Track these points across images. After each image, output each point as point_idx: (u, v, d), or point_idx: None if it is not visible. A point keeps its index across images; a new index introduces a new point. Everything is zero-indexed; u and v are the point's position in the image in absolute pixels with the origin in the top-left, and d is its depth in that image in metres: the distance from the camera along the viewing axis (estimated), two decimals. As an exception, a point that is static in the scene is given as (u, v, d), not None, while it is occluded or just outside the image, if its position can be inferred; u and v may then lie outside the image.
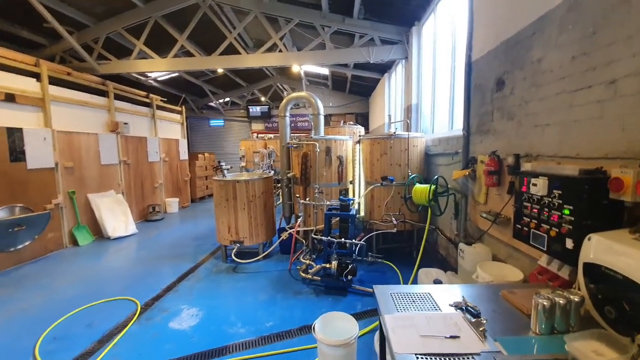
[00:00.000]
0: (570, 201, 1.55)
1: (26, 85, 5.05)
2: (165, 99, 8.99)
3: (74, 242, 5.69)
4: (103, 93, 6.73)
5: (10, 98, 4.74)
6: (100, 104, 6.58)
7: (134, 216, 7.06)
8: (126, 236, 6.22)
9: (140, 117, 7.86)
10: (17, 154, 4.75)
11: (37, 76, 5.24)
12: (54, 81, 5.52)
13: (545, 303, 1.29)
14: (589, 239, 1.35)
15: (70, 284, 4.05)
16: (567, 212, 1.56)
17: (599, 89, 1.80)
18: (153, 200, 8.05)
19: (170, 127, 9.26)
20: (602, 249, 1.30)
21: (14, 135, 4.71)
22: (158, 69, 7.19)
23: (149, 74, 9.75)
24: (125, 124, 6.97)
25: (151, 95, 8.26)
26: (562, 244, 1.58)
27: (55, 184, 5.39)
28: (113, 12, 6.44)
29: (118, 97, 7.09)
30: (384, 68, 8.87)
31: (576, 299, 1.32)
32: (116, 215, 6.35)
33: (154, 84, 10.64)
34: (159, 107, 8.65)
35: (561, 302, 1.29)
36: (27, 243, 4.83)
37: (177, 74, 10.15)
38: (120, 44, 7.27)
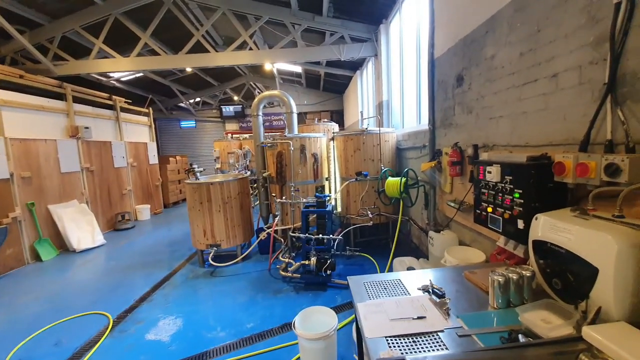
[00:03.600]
0: (520, 186, 1.70)
1: (-30, 89, 4.63)
2: (130, 101, 8.56)
3: (37, 257, 5.32)
4: (60, 96, 6.31)
5: (-49, 104, 4.33)
6: (58, 107, 6.16)
7: (101, 226, 6.70)
8: (93, 248, 5.90)
9: (103, 120, 7.44)
10: (-36, 165, 4.36)
11: (-17, 80, 4.82)
12: (4, 85, 5.10)
13: (500, 279, 1.41)
14: (536, 219, 1.48)
15: (34, 302, 3.80)
16: (517, 195, 1.70)
17: (543, 82, 1.97)
18: (122, 208, 7.67)
19: (137, 129, 8.84)
20: (547, 227, 1.44)
21: (-41, 144, 4.31)
22: (120, 69, 6.85)
23: (111, 75, 9.24)
24: (87, 128, 6.57)
25: (114, 97, 7.84)
26: (514, 225, 1.73)
27: (11, 196, 5.00)
28: (69, 10, 6.04)
29: (77, 100, 6.66)
30: (356, 65, 9.02)
31: (528, 274, 1.45)
32: (81, 226, 6.00)
33: (117, 84, 10.11)
34: (124, 110, 8.23)
35: (514, 277, 1.42)
36: (-20, 261, 4.46)
37: (142, 74, 9.69)
38: (78, 43, 6.84)
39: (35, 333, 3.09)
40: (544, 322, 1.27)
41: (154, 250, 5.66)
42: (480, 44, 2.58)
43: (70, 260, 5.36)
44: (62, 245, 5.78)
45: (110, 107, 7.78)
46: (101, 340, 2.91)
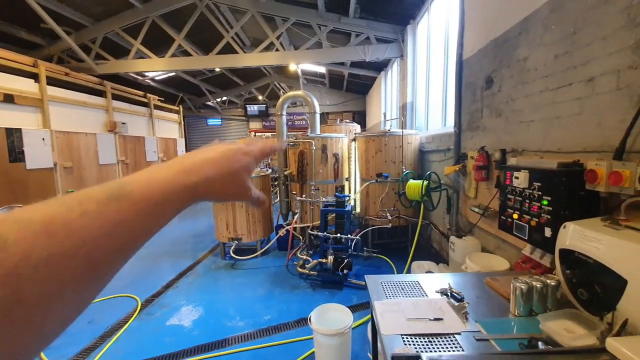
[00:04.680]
0: (549, 193, 1.64)
1: (25, 85, 5.09)
2: (163, 99, 9.04)
3: (74, 241, 5.75)
4: (101, 93, 6.79)
5: (9, 99, 4.78)
6: (98, 104, 6.63)
7: (133, 215, 7.10)
8: (126, 235, 6.27)
9: (138, 116, 7.91)
10: (17, 154, 4.80)
11: (35, 77, 5.29)
12: (52, 81, 5.57)
13: (522, 287, 1.38)
14: (565, 227, 1.44)
15: (71, 282, 4.12)
16: (545, 202, 1.65)
17: (578, 86, 1.89)
18: (152, 200, 8.09)
19: (168, 126, 9.31)
20: (576, 236, 1.39)
21: (13, 135, 4.76)
22: (155, 69, 7.24)
23: (146, 74, 9.78)
24: (123, 123, 7.02)
25: (149, 94, 8.32)
26: (541, 233, 1.68)
27: (54, 184, 5.45)
28: (110, 12, 6.48)
29: (116, 97, 7.14)
30: (380, 66, 8.95)
31: (552, 283, 1.42)
32: (115, 214, 6.40)
33: (152, 83, 10.68)
34: (157, 107, 8.70)
35: (538, 285, 1.39)
36: (27, 242, 4.89)
37: (174, 74, 10.18)
38: (117, 44, 7.31)
39: (73, 310, 3.36)
40: (567, 331, 1.24)
41: (180, 240, 5.94)
42: (512, 45, 2.51)
43: (104, 246, 5.74)
44: (97, 232, 6.20)
45: (145, 105, 8.25)
46: (130, 321, 3.12)
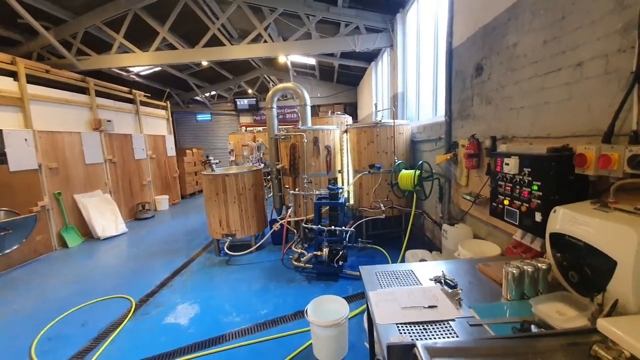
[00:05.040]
0: (539, 178, 1.66)
1: (3, 84, 4.89)
2: (149, 95, 8.80)
3: (63, 244, 5.64)
4: (84, 90, 6.57)
5: (-14, 98, 4.59)
6: (82, 101, 6.42)
7: (123, 215, 6.99)
8: (116, 235, 6.18)
9: (123, 113, 7.70)
10: (-2, 156, 4.64)
11: (14, 75, 5.07)
12: (32, 79, 5.36)
13: (514, 271, 1.40)
14: (555, 212, 1.45)
15: (62, 285, 4.05)
16: (535, 188, 1.67)
17: (567, 71, 1.89)
18: (142, 199, 7.97)
19: (156, 123, 9.10)
20: (566, 220, 1.41)
21: (-7, 136, 4.59)
22: (140, 63, 7.02)
23: (131, 69, 9.51)
24: (109, 121, 6.83)
25: (134, 90, 8.09)
26: (532, 218, 1.70)
27: (40, 186, 5.30)
28: (91, 6, 6.23)
29: (100, 94, 6.92)
30: (371, 57, 8.88)
31: (543, 267, 1.44)
32: (105, 215, 6.29)
33: (137, 79, 10.39)
34: (143, 103, 8.48)
35: (529, 269, 1.41)
36: (15, 247, 4.76)
37: (160, 68, 9.93)
38: (99, 39, 7.05)
39: (64, 314, 3.30)
40: (559, 313, 1.26)
41: (173, 238, 5.87)
42: (501, 32, 2.50)
43: (95, 247, 5.65)
44: (87, 233, 6.09)
45: (131, 101, 8.03)
46: (124, 322, 3.09)
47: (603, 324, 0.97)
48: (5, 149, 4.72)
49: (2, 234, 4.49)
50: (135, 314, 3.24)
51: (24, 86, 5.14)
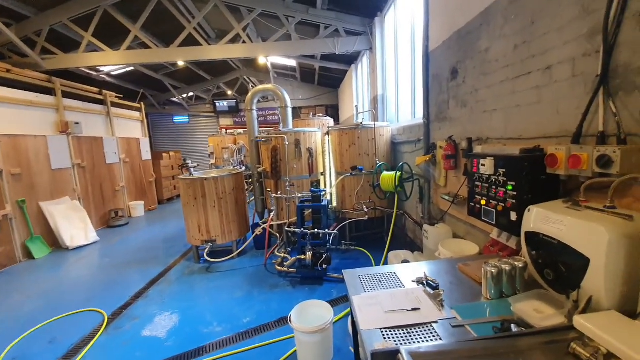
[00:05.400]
0: (513, 178, 1.71)
1: (-45, 84, 4.50)
2: (121, 95, 8.40)
3: (29, 255, 5.25)
4: (50, 91, 6.17)
5: None
6: (48, 103, 6.03)
7: (94, 223, 6.62)
8: (86, 245, 5.83)
9: (93, 115, 7.30)
10: (-50, 161, 4.26)
11: (-32, 74, 4.69)
12: (-10, 79, 4.97)
13: (492, 270, 1.42)
14: (529, 211, 1.50)
15: (27, 300, 3.75)
16: (510, 187, 1.72)
17: (537, 75, 1.97)
18: (115, 205, 7.59)
19: (129, 125, 8.70)
20: (540, 218, 1.45)
21: (-56, 141, 4.20)
22: (110, 63, 6.69)
23: (101, 69, 9.04)
24: (77, 123, 6.45)
25: (105, 91, 7.70)
26: (507, 217, 1.74)
27: (1, 193, 4.91)
28: (56, 2, 5.87)
29: (67, 95, 6.52)
30: (351, 59, 8.95)
31: (520, 265, 1.47)
32: (73, 223, 5.92)
33: (108, 79, 9.91)
34: (115, 104, 8.08)
35: (507, 268, 1.44)
36: (-30, 259, 4.38)
37: (132, 68, 9.52)
38: (66, 37, 6.66)
39: (29, 331, 3.06)
40: (536, 312, 1.29)
41: (149, 246, 5.62)
42: (475, 36, 2.57)
43: (63, 257, 5.30)
44: (54, 243, 5.71)
45: (101, 102, 7.64)
46: (96, 337, 2.90)
47: (579, 321, 1.00)
48: (-42, 154, 4.34)
49: (-45, 247, 4.11)
50: (107, 328, 3.06)
51: (-19, 86, 4.75)
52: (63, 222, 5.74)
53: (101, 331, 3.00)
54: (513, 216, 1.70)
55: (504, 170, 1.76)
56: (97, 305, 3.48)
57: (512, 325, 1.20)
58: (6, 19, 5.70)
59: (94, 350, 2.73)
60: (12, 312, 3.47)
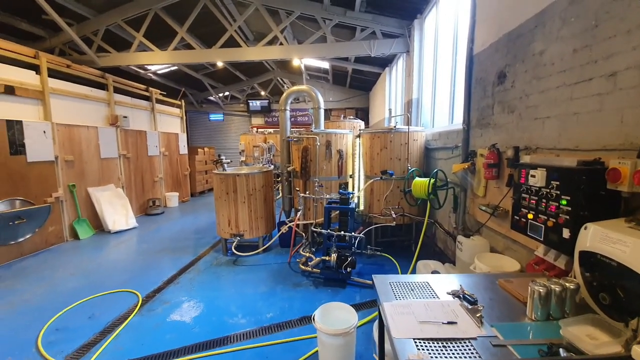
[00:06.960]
0: (568, 192, 1.57)
1: (25, 77, 5.02)
2: (165, 93, 8.95)
3: (75, 236, 5.72)
4: (102, 86, 6.71)
5: (9, 90, 4.72)
6: (100, 97, 6.56)
7: (134, 210, 7.08)
8: (126, 230, 6.25)
9: (139, 110, 7.84)
10: (17, 147, 4.75)
11: (36, 68, 5.21)
12: (53, 74, 5.49)
13: (541, 290, 1.32)
14: (586, 229, 1.37)
15: (71, 277, 4.09)
16: (564, 202, 1.58)
17: (599, 81, 1.81)
18: (153, 194, 8.06)
19: (170, 121, 9.23)
20: (598, 237, 1.32)
21: (14, 128, 4.70)
22: (158, 62, 7.15)
23: (148, 67, 9.69)
24: (125, 117, 6.95)
25: (150, 88, 8.23)
26: (559, 234, 1.61)
27: (55, 177, 5.40)
28: (112, 4, 6.39)
29: (117, 91, 7.07)
30: (385, 62, 8.84)
31: (572, 287, 1.35)
32: (116, 209, 6.37)
33: (154, 77, 10.59)
34: (159, 101, 8.62)
35: (557, 289, 1.32)
36: (28, 236, 4.86)
37: (176, 67, 10.10)
38: (119, 37, 7.22)
39: (71, 305, 3.32)
40: (590, 337, 1.18)
41: (181, 236, 5.90)
42: (527, 39, 2.42)
43: (105, 240, 5.71)
44: (98, 226, 6.17)
45: (147, 98, 8.17)
46: (131, 317, 3.08)
47: (638, 351, 0.89)
48: (24, 140, 4.83)
49: (16, 222, 4.58)
50: (141, 310, 3.24)
51: (46, 80, 5.27)
52: (107, 207, 6.19)
53: (135, 311, 3.18)
54: (565, 233, 1.56)
55: (558, 183, 1.62)
56: (133, 287, 3.70)
57: (561, 350, 1.11)
58: (68, 19, 6.29)
59: (128, 330, 2.90)
60: (57, 287, 3.79)
